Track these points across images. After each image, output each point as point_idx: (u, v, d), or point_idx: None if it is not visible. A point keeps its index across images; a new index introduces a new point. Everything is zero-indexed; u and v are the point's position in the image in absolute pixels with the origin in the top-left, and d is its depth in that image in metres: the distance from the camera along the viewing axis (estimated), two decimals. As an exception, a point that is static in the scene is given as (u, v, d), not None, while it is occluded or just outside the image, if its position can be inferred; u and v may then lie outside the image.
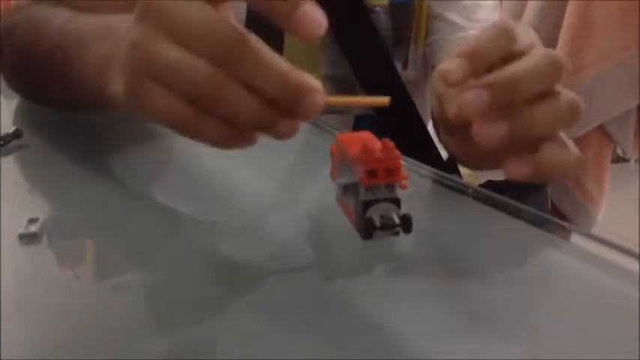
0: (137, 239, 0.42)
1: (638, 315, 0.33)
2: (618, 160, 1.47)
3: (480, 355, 0.31)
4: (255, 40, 0.31)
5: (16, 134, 0.56)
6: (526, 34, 0.40)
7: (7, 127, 0.56)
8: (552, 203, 1.36)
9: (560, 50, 1.29)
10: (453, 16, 0.77)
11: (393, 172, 0.35)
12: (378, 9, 0.77)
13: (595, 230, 1.39)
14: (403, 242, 0.39)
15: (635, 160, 1.48)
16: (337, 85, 0.77)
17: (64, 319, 0.33)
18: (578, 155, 0.39)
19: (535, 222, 0.44)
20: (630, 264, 0.39)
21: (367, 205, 0.36)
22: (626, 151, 1.37)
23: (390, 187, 0.35)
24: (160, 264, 0.38)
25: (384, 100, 0.35)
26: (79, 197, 0.47)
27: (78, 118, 0.60)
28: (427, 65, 0.81)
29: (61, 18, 0.54)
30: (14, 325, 0.33)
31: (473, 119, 0.36)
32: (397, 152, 0.35)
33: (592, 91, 1.28)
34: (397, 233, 0.36)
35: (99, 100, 0.41)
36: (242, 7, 0.77)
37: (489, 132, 0.36)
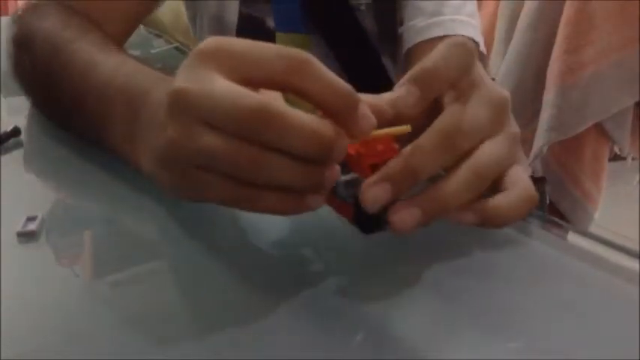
0: (136, 237, 0.42)
1: (638, 313, 0.34)
2: (616, 158, 1.48)
3: (477, 352, 0.31)
4: (284, 109, 0.31)
5: (15, 132, 0.56)
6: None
7: (6, 125, 0.56)
8: (550, 201, 1.37)
9: (558, 48, 1.29)
10: (423, 2, 0.76)
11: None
12: (362, 7, 0.77)
13: (592, 228, 1.39)
14: (400, 238, 0.39)
15: (633, 158, 1.48)
16: None
17: (62, 317, 0.33)
18: (531, 196, 0.36)
19: (532, 220, 0.44)
20: (628, 262, 0.39)
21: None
22: (624, 149, 1.37)
23: None
24: (160, 261, 0.38)
25: (406, 128, 0.35)
26: (78, 195, 0.47)
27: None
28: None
29: (83, 57, 0.53)
30: (13, 323, 0.33)
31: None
32: (395, 146, 0.35)
33: (590, 89, 1.28)
34: None
35: (126, 161, 0.43)
36: (234, 11, 0.78)
37: (403, 219, 0.34)
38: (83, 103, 0.50)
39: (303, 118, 0.31)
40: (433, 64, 0.35)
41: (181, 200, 0.36)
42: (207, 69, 0.32)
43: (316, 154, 0.32)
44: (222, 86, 0.31)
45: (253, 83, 0.32)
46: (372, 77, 0.77)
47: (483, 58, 0.80)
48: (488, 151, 0.35)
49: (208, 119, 0.32)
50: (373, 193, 0.33)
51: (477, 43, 0.76)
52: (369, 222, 0.35)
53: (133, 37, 0.70)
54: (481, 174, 0.35)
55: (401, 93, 0.35)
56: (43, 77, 0.57)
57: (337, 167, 0.34)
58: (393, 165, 0.34)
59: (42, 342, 0.31)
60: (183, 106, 0.32)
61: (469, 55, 0.36)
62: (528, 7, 1.37)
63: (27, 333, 0.32)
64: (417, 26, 0.76)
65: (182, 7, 0.89)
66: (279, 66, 0.32)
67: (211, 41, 0.33)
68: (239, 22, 0.77)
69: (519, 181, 0.36)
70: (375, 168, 0.35)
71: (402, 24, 0.79)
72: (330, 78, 0.32)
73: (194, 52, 0.33)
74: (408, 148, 0.34)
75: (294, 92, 0.32)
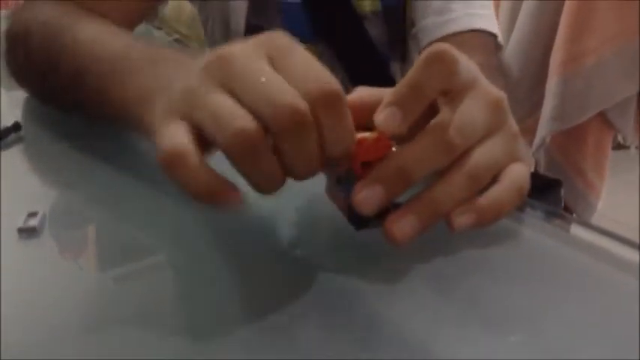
0: (137, 233, 0.42)
1: (638, 306, 0.33)
2: (619, 147, 1.47)
3: (478, 346, 0.31)
4: (310, 119, 0.31)
5: (15, 127, 0.56)
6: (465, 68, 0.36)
7: (7, 120, 0.56)
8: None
9: (560, 37, 1.28)
10: (434, 2, 0.75)
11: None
12: (370, 16, 0.77)
13: (595, 218, 1.39)
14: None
15: (636, 147, 1.48)
16: None
17: (63, 313, 0.33)
18: (521, 187, 0.36)
19: (534, 212, 0.44)
20: (630, 254, 0.39)
21: None
22: (627, 138, 1.37)
23: None
24: (160, 257, 0.38)
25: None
26: (79, 191, 0.47)
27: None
28: None
29: (86, 34, 0.54)
30: (14, 320, 0.33)
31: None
32: (389, 142, 0.35)
33: (592, 78, 1.27)
34: None
35: (130, 126, 0.42)
36: (242, 12, 0.78)
37: (401, 230, 0.34)
38: (88, 73, 0.50)
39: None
40: (411, 80, 0.34)
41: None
42: (258, 49, 0.33)
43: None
44: (260, 65, 0.32)
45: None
46: (378, 86, 0.76)
47: (499, 49, 0.79)
48: (484, 151, 0.35)
49: (233, 89, 0.32)
50: (364, 196, 0.33)
51: (493, 35, 0.75)
52: (361, 218, 0.35)
53: (136, 31, 0.70)
54: (476, 176, 0.34)
55: (385, 115, 0.34)
56: (40, 61, 0.57)
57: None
58: (385, 167, 0.34)
59: (43, 338, 0.31)
60: (217, 67, 0.32)
61: (449, 62, 0.34)
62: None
63: (27, 329, 0.32)
64: (430, 25, 0.75)
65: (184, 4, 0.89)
66: (314, 87, 0.31)
67: (278, 35, 0.34)
68: (246, 32, 0.77)
69: (508, 172, 0.36)
70: (367, 166, 0.34)
71: (414, 25, 0.78)
72: (348, 128, 0.32)
73: (260, 36, 0.34)
74: (400, 150, 0.34)
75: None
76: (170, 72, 0.40)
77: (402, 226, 0.33)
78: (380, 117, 0.34)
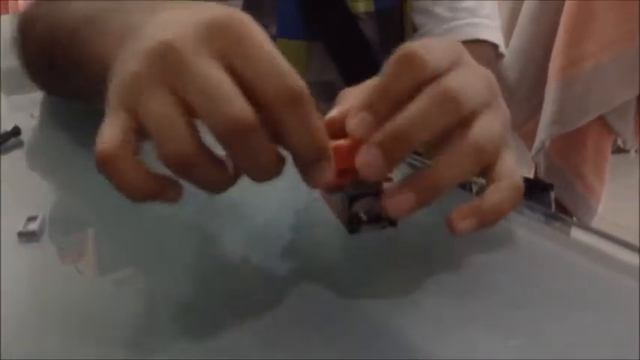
0: (137, 237, 0.42)
1: (638, 309, 0.33)
2: (619, 150, 1.47)
3: (478, 349, 0.31)
4: (261, 130, 0.30)
5: (15, 132, 0.56)
6: (442, 50, 0.35)
7: (6, 125, 0.56)
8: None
9: (560, 42, 1.29)
10: (437, 8, 0.76)
11: None
12: (364, 17, 0.77)
13: (595, 221, 1.39)
14: (399, 235, 0.39)
15: (636, 151, 1.47)
16: (326, 91, 0.78)
17: (63, 317, 0.33)
18: (519, 186, 0.36)
19: (535, 216, 0.44)
20: (630, 257, 0.39)
21: (353, 199, 0.35)
22: (627, 142, 1.37)
23: (375, 180, 0.35)
24: (160, 261, 0.38)
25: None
26: (78, 195, 0.47)
27: (77, 115, 0.60)
28: None
29: (78, 4, 0.53)
30: (14, 322, 0.33)
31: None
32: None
33: (591, 82, 1.28)
34: (384, 227, 0.36)
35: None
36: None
37: (398, 204, 0.34)
38: (80, 35, 0.48)
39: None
40: (381, 86, 0.34)
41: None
42: (210, 43, 0.30)
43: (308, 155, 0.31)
44: (213, 73, 0.30)
45: (240, 82, 0.30)
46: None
47: (500, 60, 0.79)
48: (482, 125, 0.34)
49: (178, 90, 0.30)
50: (364, 157, 0.33)
51: (495, 45, 0.76)
52: (355, 223, 0.35)
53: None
54: (474, 147, 0.34)
55: (356, 121, 0.34)
56: (44, 46, 0.56)
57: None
58: (384, 131, 0.33)
59: (42, 341, 0.31)
60: (162, 61, 0.30)
61: (419, 64, 0.34)
62: (530, 1, 1.37)
63: (27, 333, 0.32)
64: (432, 32, 0.75)
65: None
66: (278, 91, 0.30)
67: (232, 17, 0.31)
68: None
69: (506, 171, 0.36)
70: (344, 173, 0.34)
71: (415, 30, 0.78)
72: (314, 129, 0.31)
73: (211, 17, 0.31)
74: (397, 116, 0.33)
75: (273, 120, 0.30)
76: (134, 21, 0.37)
77: (398, 201, 0.33)
78: (351, 123, 0.34)
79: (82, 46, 0.47)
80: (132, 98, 0.31)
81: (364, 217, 0.35)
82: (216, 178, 0.32)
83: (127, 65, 0.32)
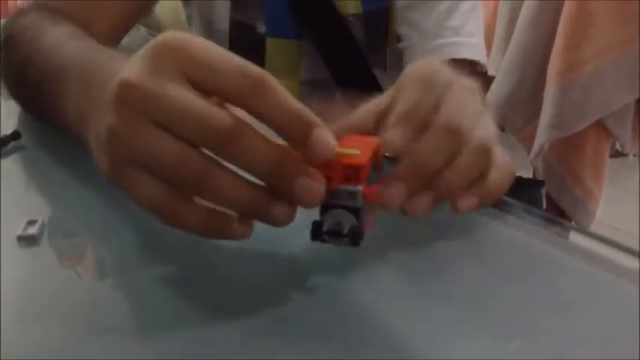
0: (136, 240, 0.42)
1: (638, 313, 0.33)
2: (617, 154, 1.48)
3: (476, 352, 0.31)
4: (246, 125, 0.31)
5: (15, 136, 0.56)
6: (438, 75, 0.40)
7: (6, 129, 0.56)
8: (550, 198, 1.36)
9: (558, 45, 1.29)
10: (424, 24, 0.77)
11: (350, 177, 0.34)
12: (351, 18, 0.77)
13: (594, 225, 1.39)
14: (398, 237, 0.39)
15: (634, 155, 1.48)
16: (317, 89, 0.78)
17: (62, 320, 0.33)
18: (512, 171, 0.40)
19: (533, 219, 0.44)
20: (629, 261, 0.39)
21: (325, 208, 0.35)
22: (625, 146, 1.37)
23: (353, 194, 0.35)
24: (159, 265, 0.38)
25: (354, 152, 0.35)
26: (78, 199, 0.47)
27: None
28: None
29: (49, 42, 0.54)
30: (14, 326, 0.33)
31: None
32: (362, 159, 0.35)
33: (590, 86, 1.28)
34: (342, 244, 0.35)
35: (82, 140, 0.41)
36: (224, 17, 0.78)
37: (417, 207, 0.36)
38: (44, 84, 0.51)
39: (267, 142, 0.31)
40: (413, 103, 0.37)
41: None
42: (163, 66, 0.31)
43: (275, 182, 0.32)
44: (176, 89, 0.30)
45: (206, 92, 0.31)
46: (361, 84, 0.77)
47: (485, 78, 0.81)
48: (452, 104, 0.37)
49: (157, 119, 0.31)
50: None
51: (477, 64, 0.78)
52: (315, 231, 0.35)
53: (133, 38, 0.70)
54: (447, 127, 0.36)
55: (394, 136, 0.36)
56: (19, 68, 0.58)
57: (293, 208, 0.33)
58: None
59: (41, 344, 0.31)
60: (129, 100, 0.31)
61: (439, 82, 0.38)
62: (528, 5, 1.37)
63: (26, 336, 0.32)
64: (416, 50, 0.77)
65: (181, 7, 0.89)
66: (238, 83, 0.31)
67: (173, 36, 0.32)
68: (231, 29, 0.77)
69: (499, 159, 0.39)
70: (329, 179, 0.34)
71: (399, 40, 0.79)
72: (287, 103, 0.31)
73: (153, 44, 0.32)
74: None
75: (248, 111, 0.31)
76: (93, 94, 0.39)
77: (391, 193, 0.35)
78: (389, 135, 0.36)
79: (50, 95, 0.49)
80: (124, 151, 0.32)
81: (325, 228, 0.35)
82: (231, 193, 0.32)
83: (102, 122, 0.33)
